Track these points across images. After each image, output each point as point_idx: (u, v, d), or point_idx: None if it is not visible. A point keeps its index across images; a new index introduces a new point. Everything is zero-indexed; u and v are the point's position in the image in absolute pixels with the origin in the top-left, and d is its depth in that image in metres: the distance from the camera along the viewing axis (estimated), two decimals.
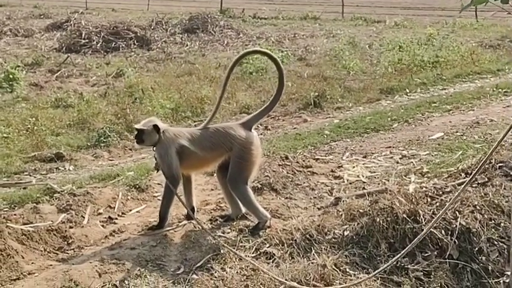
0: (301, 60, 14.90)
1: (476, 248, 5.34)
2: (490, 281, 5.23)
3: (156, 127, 5.33)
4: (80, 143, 8.79)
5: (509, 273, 5.29)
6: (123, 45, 16.78)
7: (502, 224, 5.58)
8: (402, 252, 4.36)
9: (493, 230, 5.50)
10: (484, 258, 5.32)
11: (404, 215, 5.32)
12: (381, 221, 5.24)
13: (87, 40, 16.80)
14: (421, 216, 5.36)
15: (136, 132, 5.44)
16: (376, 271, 4.70)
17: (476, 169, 3.62)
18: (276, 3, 27.49)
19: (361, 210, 5.42)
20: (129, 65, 14.20)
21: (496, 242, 5.44)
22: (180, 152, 5.31)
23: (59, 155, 8.04)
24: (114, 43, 16.78)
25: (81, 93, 11.28)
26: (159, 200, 6.35)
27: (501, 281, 5.26)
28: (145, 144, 5.46)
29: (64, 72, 13.68)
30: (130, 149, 8.80)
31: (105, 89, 11.84)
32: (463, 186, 4.32)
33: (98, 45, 16.58)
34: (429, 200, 5.66)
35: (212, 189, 6.42)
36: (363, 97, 10.75)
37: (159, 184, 6.66)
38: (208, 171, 6.14)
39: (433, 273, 5.09)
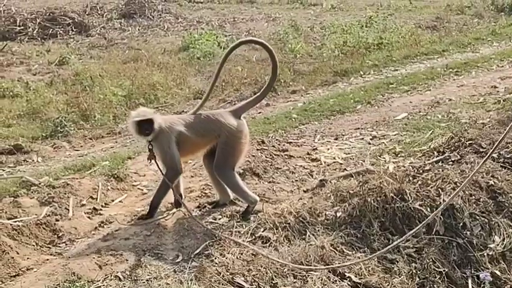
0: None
1: (461, 224, 5.54)
2: (475, 254, 5.44)
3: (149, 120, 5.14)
4: (34, 133, 8.56)
5: (492, 245, 5.55)
6: (61, 31, 16.27)
7: (481, 199, 5.80)
8: (414, 230, 4.48)
9: (474, 205, 5.71)
10: (468, 232, 5.53)
11: (392, 194, 5.46)
12: (371, 201, 5.35)
13: (22, 27, 16.25)
14: (408, 195, 5.51)
15: (138, 124, 5.16)
16: (379, 252, 4.82)
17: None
18: None
19: (350, 191, 5.52)
20: (71, 52, 13.83)
21: (477, 217, 5.65)
22: (178, 139, 5.22)
23: (17, 147, 7.82)
24: (51, 30, 16.25)
25: (26, 82, 10.92)
26: (139, 189, 6.30)
27: (485, 254, 5.48)
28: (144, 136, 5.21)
29: (3, 61, 13.19)
30: (91, 139, 8.63)
31: (50, 77, 11.47)
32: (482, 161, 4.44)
33: (34, 32, 16.05)
34: (411, 178, 5.83)
35: (192, 176, 6.38)
36: (316, 80, 10.85)
37: (136, 173, 6.58)
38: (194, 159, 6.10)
39: (424, 250, 5.25)
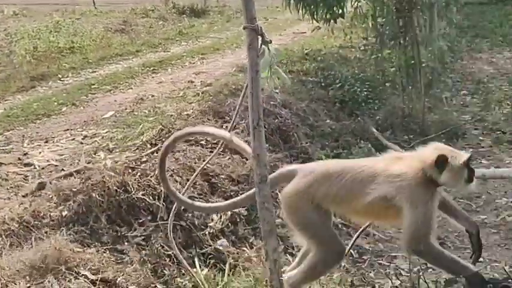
0: None
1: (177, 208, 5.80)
2: (198, 234, 5.77)
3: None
4: None
5: (211, 224, 5.93)
6: None
7: (197, 183, 6.14)
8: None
9: (192, 189, 6.03)
10: (189, 215, 5.83)
11: (115, 187, 5.54)
12: (96, 196, 5.38)
13: None
14: (130, 186, 5.64)
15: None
16: None
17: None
18: None
19: (73, 189, 5.47)
20: None
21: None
22: None
23: None
24: None
25: None
26: None
27: (206, 232, 5.84)
28: None
29: None
30: None
31: None
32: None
33: None
34: (131, 171, 5.96)
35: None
36: (11, 87, 10.44)
37: None
38: None
39: (152, 236, 5.42)
